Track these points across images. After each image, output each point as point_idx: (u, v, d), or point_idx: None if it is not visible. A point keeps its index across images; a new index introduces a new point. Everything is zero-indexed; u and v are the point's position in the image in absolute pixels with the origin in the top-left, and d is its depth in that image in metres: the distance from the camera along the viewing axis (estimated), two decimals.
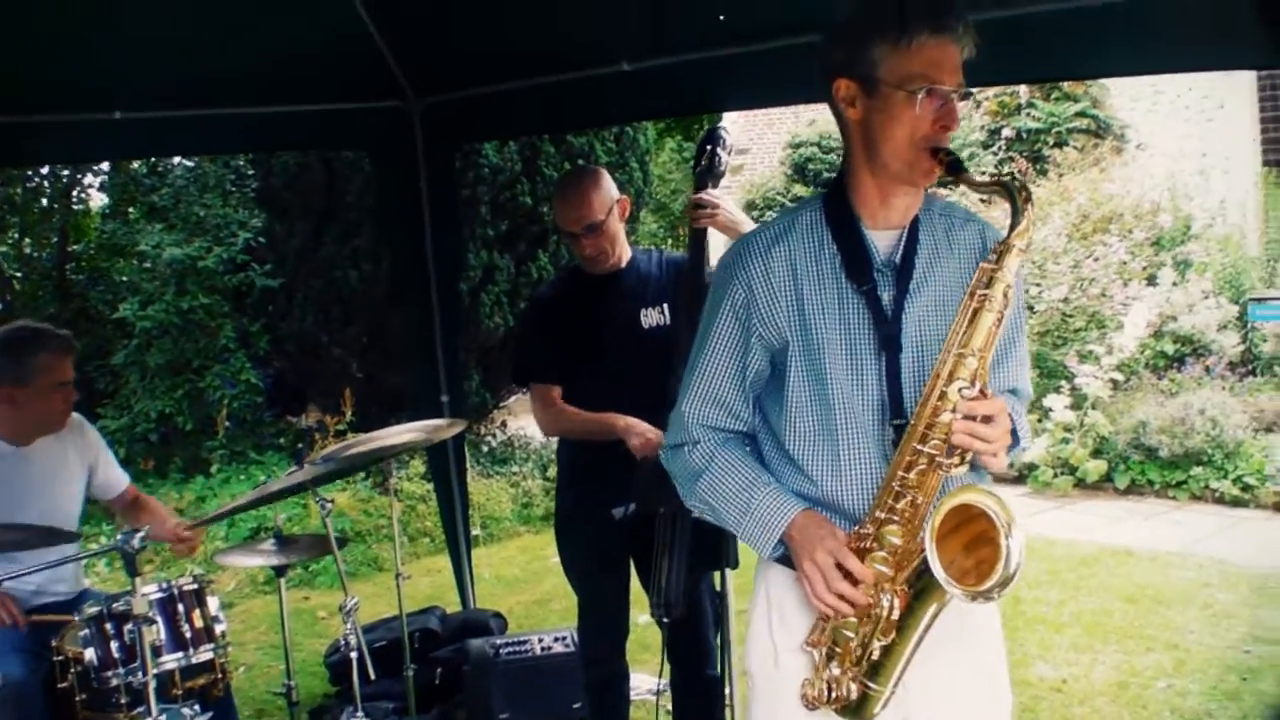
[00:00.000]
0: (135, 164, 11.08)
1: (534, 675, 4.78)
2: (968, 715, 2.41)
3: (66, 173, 10.76)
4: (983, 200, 9.15)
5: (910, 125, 2.18)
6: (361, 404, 9.35)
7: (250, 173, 10.69)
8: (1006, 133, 13.63)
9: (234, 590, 7.73)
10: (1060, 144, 13.20)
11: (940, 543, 2.07)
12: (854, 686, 2.24)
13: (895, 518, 2.20)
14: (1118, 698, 5.20)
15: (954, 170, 2.17)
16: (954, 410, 2.14)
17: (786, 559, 2.35)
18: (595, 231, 3.93)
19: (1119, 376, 9.70)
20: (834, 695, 2.26)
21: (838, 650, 2.27)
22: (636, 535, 3.77)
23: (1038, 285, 10.64)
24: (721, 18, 3.81)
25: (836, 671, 2.26)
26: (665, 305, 4.00)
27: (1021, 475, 9.63)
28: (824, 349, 2.30)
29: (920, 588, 2.15)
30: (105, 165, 11.35)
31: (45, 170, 11.06)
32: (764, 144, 17.45)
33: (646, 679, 4.99)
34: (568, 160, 9.88)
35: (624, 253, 4.09)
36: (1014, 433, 2.27)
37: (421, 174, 5.41)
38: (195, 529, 4.28)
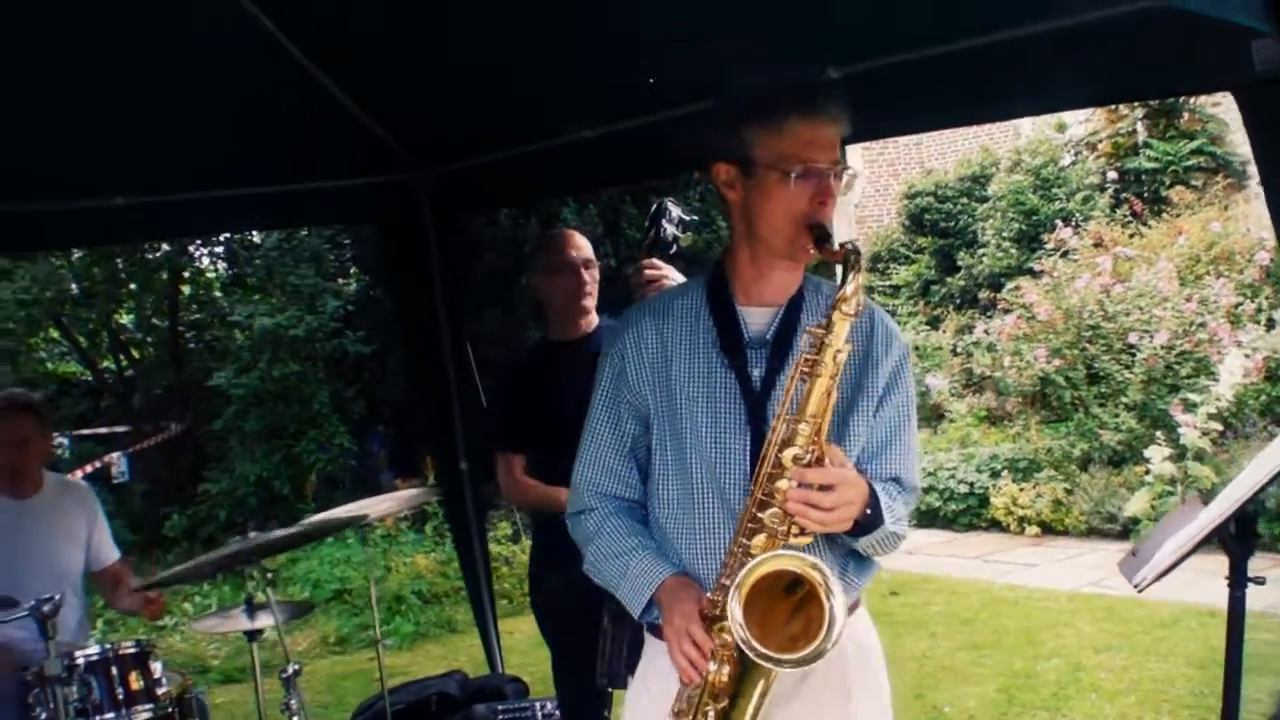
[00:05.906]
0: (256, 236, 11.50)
1: None
2: None
3: (167, 247, 11.16)
4: None
5: (787, 203, 2.25)
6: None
7: (346, 241, 10.99)
8: (1111, 175, 13.17)
9: (305, 650, 7.89)
10: (1177, 183, 12.73)
11: (767, 609, 2.12)
12: None
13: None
14: None
15: (820, 243, 2.23)
16: (789, 478, 2.15)
17: (656, 628, 2.38)
18: (589, 265, 4.06)
19: (1218, 426, 9.22)
20: None
21: (687, 716, 2.27)
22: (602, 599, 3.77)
23: (1146, 331, 10.24)
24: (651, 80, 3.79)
25: None
26: None
27: (1125, 530, 9.25)
28: (688, 421, 2.36)
29: (745, 657, 2.14)
30: (223, 237, 11.83)
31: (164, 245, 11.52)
32: (888, 194, 17.14)
33: None
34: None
35: (593, 319, 4.11)
36: (874, 511, 2.25)
37: (432, 243, 5.47)
38: (156, 593, 4.39)
